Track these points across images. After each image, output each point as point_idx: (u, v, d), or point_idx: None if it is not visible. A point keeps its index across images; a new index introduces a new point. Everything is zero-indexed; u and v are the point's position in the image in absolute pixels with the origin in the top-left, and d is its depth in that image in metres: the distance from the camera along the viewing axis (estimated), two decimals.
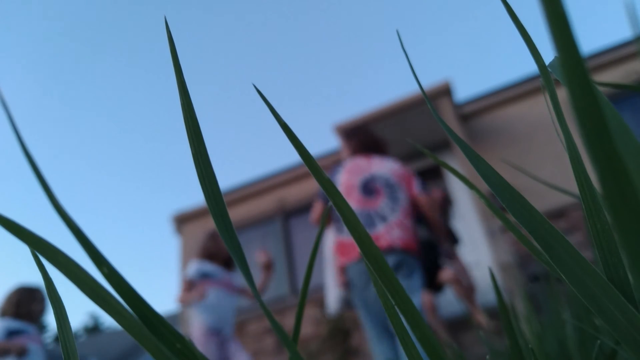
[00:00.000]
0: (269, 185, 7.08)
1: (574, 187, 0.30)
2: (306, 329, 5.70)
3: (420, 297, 2.39)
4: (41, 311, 2.88)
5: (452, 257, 3.94)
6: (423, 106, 5.40)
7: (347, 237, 2.48)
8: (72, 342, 0.26)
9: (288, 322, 5.89)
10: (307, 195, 6.73)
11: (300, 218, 6.75)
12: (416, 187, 2.70)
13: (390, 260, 2.34)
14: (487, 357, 0.52)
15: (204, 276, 3.09)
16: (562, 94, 0.21)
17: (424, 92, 0.34)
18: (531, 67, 7.08)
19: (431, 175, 6.24)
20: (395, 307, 0.27)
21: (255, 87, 0.30)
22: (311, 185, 6.70)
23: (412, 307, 0.27)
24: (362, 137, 2.87)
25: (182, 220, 7.51)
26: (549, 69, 0.31)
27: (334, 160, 6.68)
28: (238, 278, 3.29)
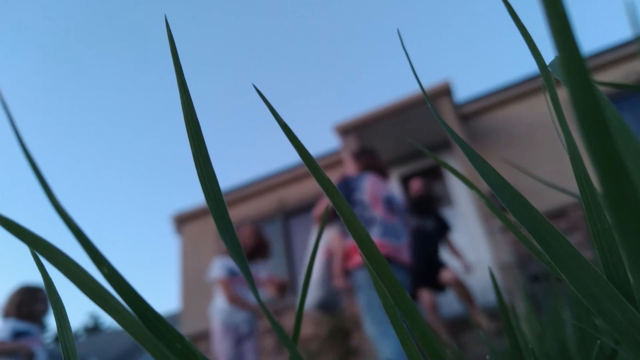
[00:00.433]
0: (269, 185, 7.09)
1: (574, 187, 0.30)
2: (306, 329, 5.70)
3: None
4: (44, 311, 2.88)
5: (454, 251, 3.99)
6: (423, 106, 5.40)
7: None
8: (72, 342, 0.26)
9: (288, 322, 5.89)
10: (307, 195, 6.73)
11: (300, 218, 6.75)
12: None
13: (403, 275, 2.55)
14: (487, 357, 0.52)
15: (233, 274, 3.15)
16: (563, 93, 0.21)
17: (424, 92, 0.34)
18: (531, 67, 7.08)
19: (431, 175, 6.24)
20: (395, 307, 0.27)
21: (255, 87, 0.30)
22: (311, 185, 6.70)
23: (412, 307, 0.27)
24: (373, 159, 3.02)
25: (182, 220, 7.51)
26: (550, 69, 0.31)
27: (334, 160, 6.68)
28: (260, 271, 3.29)
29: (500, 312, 0.40)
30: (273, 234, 6.84)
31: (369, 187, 2.68)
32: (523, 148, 5.66)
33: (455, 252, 4.05)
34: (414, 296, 3.71)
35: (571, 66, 0.15)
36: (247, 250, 3.27)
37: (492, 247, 4.52)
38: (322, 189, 0.26)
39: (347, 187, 2.68)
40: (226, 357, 2.90)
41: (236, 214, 7.00)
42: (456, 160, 5.69)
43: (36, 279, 3.12)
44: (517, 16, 0.31)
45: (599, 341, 0.46)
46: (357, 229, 0.27)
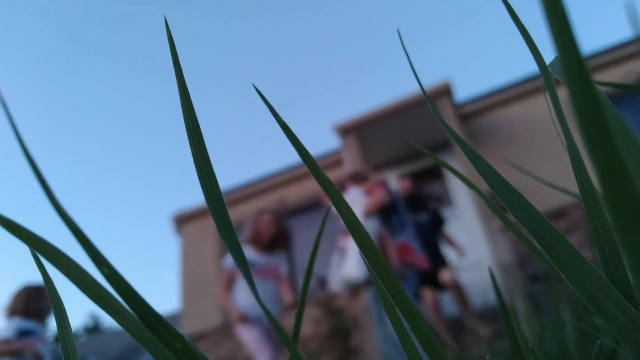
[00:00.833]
0: (269, 185, 7.09)
1: (574, 187, 0.30)
2: (306, 329, 5.70)
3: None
4: (49, 308, 2.87)
5: (449, 242, 4.03)
6: (423, 106, 5.40)
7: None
8: (72, 342, 0.26)
9: (288, 322, 5.90)
10: (307, 195, 6.74)
11: (300, 218, 6.75)
12: None
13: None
14: (487, 357, 0.52)
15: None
16: (563, 93, 0.21)
17: (424, 92, 0.34)
18: (531, 67, 7.08)
19: (431, 175, 6.24)
20: (395, 307, 0.27)
21: (255, 87, 0.30)
22: (311, 185, 6.70)
23: (412, 307, 0.27)
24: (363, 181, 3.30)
25: (182, 220, 7.51)
26: (550, 69, 0.31)
27: (334, 160, 6.68)
28: (281, 262, 3.15)
29: (500, 312, 0.40)
30: None
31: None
32: (523, 148, 5.66)
33: (449, 241, 4.14)
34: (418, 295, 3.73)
35: (571, 66, 0.15)
36: (267, 238, 3.06)
37: (492, 247, 4.52)
38: (322, 189, 0.26)
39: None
40: (257, 343, 2.77)
41: (236, 214, 7.00)
42: (456, 160, 5.69)
43: (36, 279, 3.11)
44: (517, 16, 0.31)
45: (599, 341, 0.46)
46: (357, 229, 0.27)
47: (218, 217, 0.28)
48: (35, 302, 2.79)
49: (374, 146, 5.97)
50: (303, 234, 6.58)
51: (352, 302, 3.87)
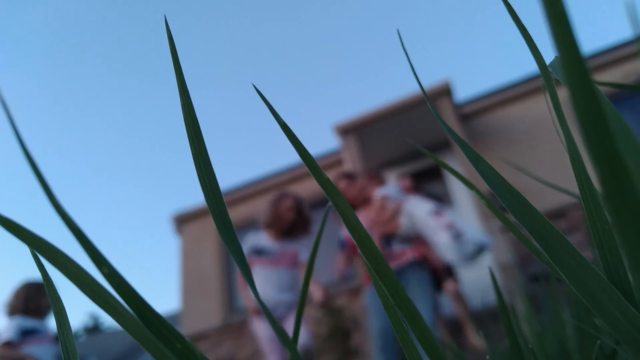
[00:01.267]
0: (269, 185, 7.09)
1: (574, 187, 0.30)
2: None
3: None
4: (50, 305, 2.84)
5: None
6: (423, 106, 5.40)
7: None
8: (72, 342, 0.26)
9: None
10: (307, 195, 6.73)
11: None
12: None
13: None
14: (487, 357, 0.52)
15: (257, 253, 2.85)
16: (563, 93, 0.21)
17: (424, 92, 0.34)
18: (531, 67, 7.08)
19: (431, 175, 6.24)
20: (395, 307, 0.27)
21: (255, 87, 0.30)
22: (311, 185, 6.70)
23: (412, 307, 0.27)
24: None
25: (182, 220, 7.51)
26: (550, 69, 0.31)
27: (334, 160, 6.68)
28: (301, 248, 2.95)
29: (500, 312, 0.40)
30: None
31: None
32: (523, 148, 5.66)
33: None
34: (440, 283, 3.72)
35: (571, 66, 0.15)
36: (286, 225, 2.91)
37: (492, 247, 4.52)
38: (322, 189, 0.26)
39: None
40: (264, 337, 2.68)
41: (236, 214, 7.01)
42: (456, 160, 5.69)
43: (36, 276, 3.07)
44: (517, 16, 0.31)
45: (599, 341, 0.46)
46: (357, 229, 0.27)
47: (218, 217, 0.28)
48: (35, 300, 2.74)
49: (374, 146, 5.97)
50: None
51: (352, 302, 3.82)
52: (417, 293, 2.62)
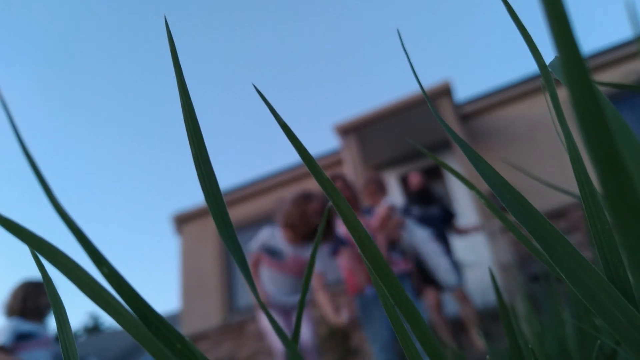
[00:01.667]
0: (269, 185, 7.09)
1: (574, 187, 0.30)
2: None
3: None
4: (49, 305, 2.71)
5: (462, 231, 4.01)
6: (423, 106, 5.40)
7: None
8: (72, 342, 0.26)
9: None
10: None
11: None
12: None
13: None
14: (487, 357, 0.52)
15: (269, 252, 2.70)
16: (563, 93, 0.21)
17: (424, 92, 0.34)
18: (531, 67, 7.08)
19: (431, 175, 6.24)
20: (395, 307, 0.27)
21: (255, 87, 0.30)
22: (311, 186, 6.70)
23: (412, 307, 0.27)
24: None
25: (182, 220, 7.51)
26: (550, 69, 0.31)
27: (334, 160, 6.68)
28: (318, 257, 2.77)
29: (500, 312, 0.40)
30: None
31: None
32: (523, 148, 5.66)
33: (463, 230, 4.07)
34: (419, 292, 3.74)
35: (571, 66, 0.15)
36: (311, 229, 2.68)
37: (492, 247, 4.52)
38: (322, 189, 0.26)
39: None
40: (272, 331, 2.57)
41: (236, 214, 7.01)
42: (456, 160, 5.69)
43: (34, 277, 2.99)
44: (517, 16, 0.31)
45: (599, 341, 0.46)
46: (356, 229, 0.27)
47: (218, 217, 0.28)
48: (33, 300, 2.66)
49: (374, 146, 5.97)
50: None
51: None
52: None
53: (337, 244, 2.98)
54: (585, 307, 0.68)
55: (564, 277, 0.24)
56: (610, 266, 0.25)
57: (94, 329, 25.98)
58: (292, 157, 8.34)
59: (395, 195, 6.26)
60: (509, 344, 0.40)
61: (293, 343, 0.25)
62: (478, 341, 3.73)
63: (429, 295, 3.70)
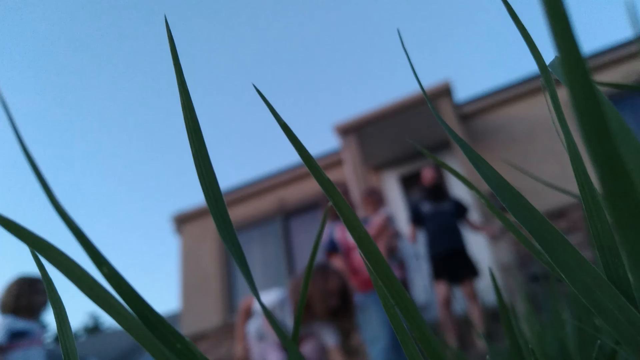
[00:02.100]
0: (269, 185, 7.09)
1: (574, 187, 0.30)
2: None
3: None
4: (43, 303, 2.67)
5: (476, 227, 3.98)
6: (423, 106, 5.40)
7: None
8: (72, 342, 0.26)
9: (288, 322, 5.89)
10: (307, 195, 6.73)
11: (300, 218, 6.75)
12: None
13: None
14: (487, 357, 0.52)
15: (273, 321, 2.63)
16: (563, 94, 0.21)
17: (424, 92, 0.34)
18: (532, 67, 7.08)
19: None
20: (396, 307, 0.27)
21: (255, 87, 0.30)
22: (311, 185, 6.70)
23: (412, 307, 0.27)
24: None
25: (182, 220, 7.51)
26: (550, 69, 0.31)
27: (334, 160, 6.68)
28: (327, 333, 2.62)
29: (500, 312, 0.40)
30: (273, 234, 6.85)
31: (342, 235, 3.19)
32: (523, 148, 5.66)
33: (476, 227, 4.01)
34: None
35: (571, 66, 0.15)
36: (326, 310, 2.40)
37: (492, 247, 4.52)
38: (322, 189, 0.26)
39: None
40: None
41: (236, 214, 7.01)
42: (456, 160, 5.69)
43: (29, 273, 2.91)
44: (517, 16, 0.31)
45: (599, 341, 0.46)
46: (356, 229, 0.27)
47: (218, 217, 0.28)
48: (26, 297, 2.59)
49: (374, 146, 5.97)
50: (303, 234, 6.58)
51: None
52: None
53: (332, 247, 3.05)
54: (585, 307, 0.68)
55: (564, 277, 0.24)
56: (610, 266, 0.25)
57: (94, 329, 25.98)
58: (292, 157, 8.35)
59: (395, 195, 6.26)
60: (509, 344, 0.40)
61: (293, 343, 0.25)
62: (479, 341, 3.73)
63: (439, 290, 3.69)
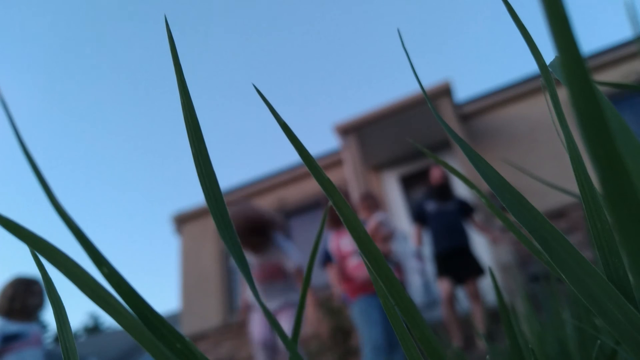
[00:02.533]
0: (269, 185, 7.09)
1: (574, 187, 0.30)
2: (306, 328, 5.69)
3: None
4: (38, 305, 2.65)
5: (480, 228, 3.98)
6: (423, 106, 5.40)
7: None
8: (72, 342, 0.26)
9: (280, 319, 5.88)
10: (307, 195, 6.73)
11: (300, 218, 6.75)
12: None
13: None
14: (487, 357, 0.52)
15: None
16: (563, 93, 0.21)
17: (424, 92, 0.34)
18: (532, 67, 7.08)
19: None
20: (395, 307, 0.27)
21: (255, 87, 0.30)
22: (311, 185, 6.70)
23: (412, 307, 0.27)
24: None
25: (182, 220, 7.51)
26: (550, 69, 0.31)
27: (334, 160, 6.68)
28: (289, 254, 2.85)
29: (500, 312, 0.40)
30: None
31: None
32: (523, 148, 5.66)
33: (481, 227, 4.02)
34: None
35: (571, 66, 0.15)
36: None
37: (492, 247, 4.52)
38: (322, 189, 0.26)
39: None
40: (257, 334, 2.77)
41: None
42: (456, 160, 5.69)
43: (26, 274, 2.82)
44: (517, 16, 0.31)
45: (599, 341, 0.46)
46: (356, 229, 0.27)
47: (218, 217, 0.28)
48: (21, 299, 2.56)
49: (374, 146, 5.97)
50: (303, 234, 6.58)
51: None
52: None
53: (326, 257, 3.11)
54: (585, 307, 0.68)
55: (564, 277, 0.24)
56: (610, 266, 0.25)
57: (94, 329, 25.99)
58: (292, 157, 8.35)
59: (395, 195, 6.26)
60: (509, 344, 0.40)
61: (293, 343, 0.25)
62: (479, 341, 3.73)
63: (443, 288, 3.68)
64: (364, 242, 0.27)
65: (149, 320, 0.22)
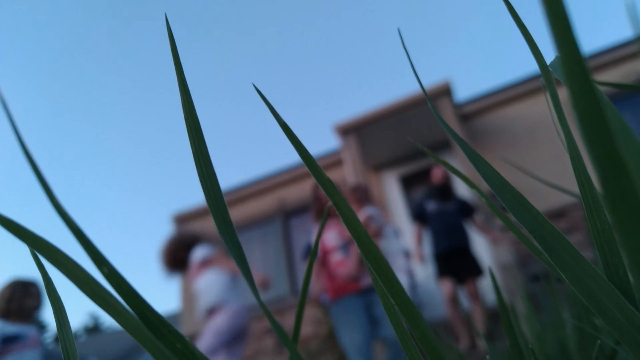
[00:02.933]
0: (269, 185, 7.08)
1: (574, 187, 0.30)
2: (306, 329, 5.70)
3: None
4: (35, 307, 2.66)
5: (481, 229, 3.98)
6: (423, 106, 5.40)
7: None
8: (72, 342, 0.26)
9: (288, 322, 5.89)
10: (307, 195, 6.73)
11: (300, 218, 6.75)
12: None
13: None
14: (487, 357, 0.52)
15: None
16: (563, 93, 0.21)
17: (424, 92, 0.34)
18: (532, 67, 7.08)
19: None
20: (395, 307, 0.27)
21: (255, 87, 0.30)
22: (311, 185, 6.70)
23: (412, 307, 0.27)
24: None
25: (182, 220, 7.51)
26: (550, 69, 0.31)
27: (334, 160, 6.68)
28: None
29: (500, 312, 0.40)
30: (273, 234, 6.84)
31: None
32: (523, 148, 5.66)
33: (482, 228, 4.02)
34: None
35: (571, 66, 0.15)
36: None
37: (492, 247, 4.51)
38: (322, 188, 0.26)
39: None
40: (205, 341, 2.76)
41: (236, 214, 7.00)
42: (456, 160, 5.69)
43: (24, 277, 2.83)
44: (517, 16, 0.31)
45: (599, 341, 0.46)
46: (356, 229, 0.27)
47: (218, 217, 0.28)
48: (18, 301, 2.57)
49: (374, 146, 5.97)
50: (303, 234, 6.58)
51: None
52: (382, 312, 2.77)
53: (308, 251, 3.09)
54: (585, 307, 0.68)
55: (564, 277, 0.24)
56: (610, 266, 0.25)
57: (94, 329, 25.99)
58: (292, 157, 8.35)
59: (395, 195, 6.26)
60: (509, 344, 0.40)
61: (293, 343, 0.25)
62: (479, 341, 3.73)
63: (444, 288, 3.68)
64: (364, 242, 0.27)
65: (149, 320, 0.22)
